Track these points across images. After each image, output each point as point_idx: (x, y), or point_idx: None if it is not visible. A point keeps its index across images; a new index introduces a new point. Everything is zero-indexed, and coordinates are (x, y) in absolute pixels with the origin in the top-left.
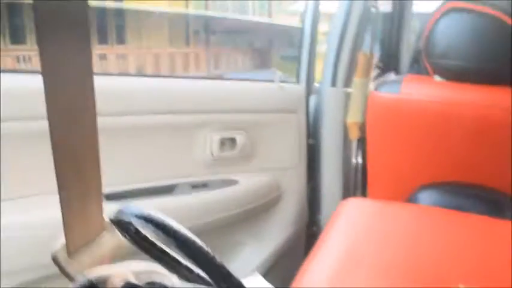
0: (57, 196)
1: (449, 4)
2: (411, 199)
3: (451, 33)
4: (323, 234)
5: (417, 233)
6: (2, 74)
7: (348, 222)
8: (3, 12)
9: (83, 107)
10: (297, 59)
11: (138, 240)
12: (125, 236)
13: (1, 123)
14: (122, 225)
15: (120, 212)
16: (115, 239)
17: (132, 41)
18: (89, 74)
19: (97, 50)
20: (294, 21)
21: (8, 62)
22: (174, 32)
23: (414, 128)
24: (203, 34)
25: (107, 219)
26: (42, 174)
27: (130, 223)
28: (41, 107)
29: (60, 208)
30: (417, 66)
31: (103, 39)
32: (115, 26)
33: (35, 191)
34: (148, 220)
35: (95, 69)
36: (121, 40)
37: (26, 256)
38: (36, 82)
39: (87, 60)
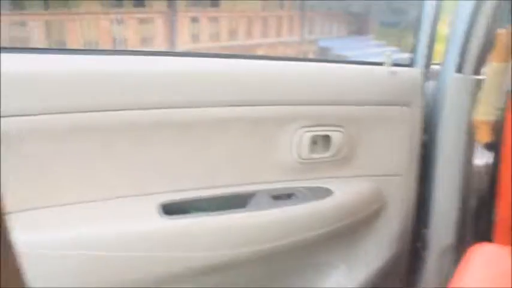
0: None
1: None
2: None
3: None
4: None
5: None
6: None
7: (481, 277)
8: None
9: None
10: (414, 37)
11: None
12: None
13: None
14: None
15: None
16: None
17: (225, 3)
18: None
19: (189, 12)
20: None
21: (133, 25)
22: None
23: None
24: None
25: None
26: None
27: None
28: None
29: None
30: None
31: (196, 2)
32: None
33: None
34: None
35: (187, 32)
36: (214, 3)
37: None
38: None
39: None
